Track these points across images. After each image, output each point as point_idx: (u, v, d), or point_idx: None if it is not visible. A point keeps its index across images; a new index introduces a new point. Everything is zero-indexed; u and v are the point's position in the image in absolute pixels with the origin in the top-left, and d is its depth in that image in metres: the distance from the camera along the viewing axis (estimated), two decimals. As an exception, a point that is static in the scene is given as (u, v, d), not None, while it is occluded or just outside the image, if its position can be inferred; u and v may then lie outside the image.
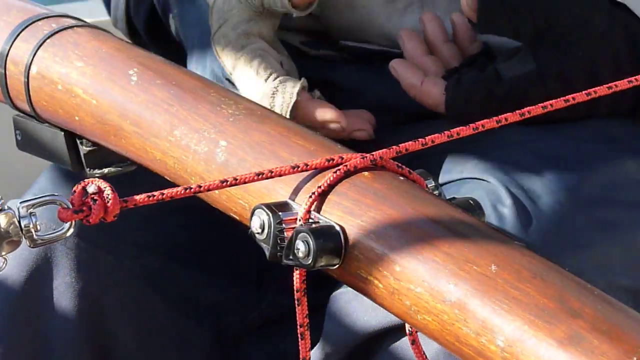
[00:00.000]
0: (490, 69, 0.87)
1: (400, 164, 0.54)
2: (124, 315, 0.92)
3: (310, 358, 0.55)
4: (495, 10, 0.84)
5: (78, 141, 0.70)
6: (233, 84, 0.86)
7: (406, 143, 0.54)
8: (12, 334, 0.89)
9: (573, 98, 0.61)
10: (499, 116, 0.58)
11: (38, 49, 0.69)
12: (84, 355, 0.90)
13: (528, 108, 0.59)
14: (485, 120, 0.57)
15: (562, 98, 0.60)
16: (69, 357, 0.90)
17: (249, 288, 0.95)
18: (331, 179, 0.52)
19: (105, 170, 0.72)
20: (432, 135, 0.55)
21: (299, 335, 0.54)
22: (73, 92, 0.65)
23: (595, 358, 0.41)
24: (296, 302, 0.53)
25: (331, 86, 0.92)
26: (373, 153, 0.54)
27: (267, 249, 0.52)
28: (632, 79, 0.64)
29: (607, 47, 0.79)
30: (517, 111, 0.58)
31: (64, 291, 0.89)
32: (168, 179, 0.61)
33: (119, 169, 0.69)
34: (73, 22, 0.71)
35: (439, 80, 0.88)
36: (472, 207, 0.54)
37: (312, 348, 0.76)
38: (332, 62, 0.95)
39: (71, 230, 0.49)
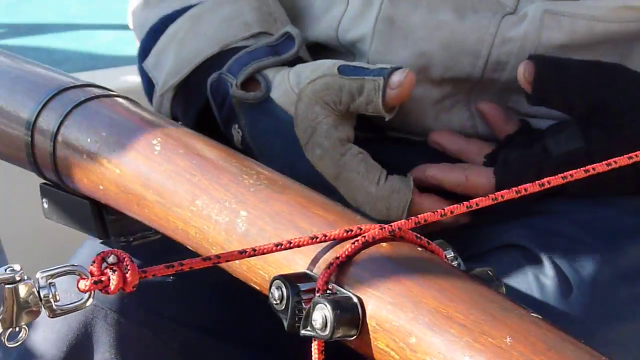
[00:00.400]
0: (537, 146, 0.86)
1: (419, 235, 0.54)
2: None
3: None
4: (551, 84, 0.84)
5: (103, 210, 0.71)
6: (335, 189, 0.85)
7: (425, 214, 0.54)
8: None
9: (593, 168, 0.61)
10: (519, 187, 0.58)
11: (64, 118, 0.70)
12: None
13: (548, 179, 0.59)
14: (504, 191, 0.57)
15: (582, 168, 0.60)
16: None
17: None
18: (349, 250, 0.52)
19: (131, 238, 0.73)
20: (451, 207, 0.55)
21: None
22: (97, 161, 0.66)
23: None
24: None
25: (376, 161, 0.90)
26: (392, 224, 0.54)
27: (285, 319, 0.52)
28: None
29: None
30: (536, 182, 0.58)
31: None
32: (190, 248, 0.61)
33: (145, 237, 0.69)
34: (99, 91, 0.72)
35: (482, 169, 0.88)
36: (491, 278, 0.54)
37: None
38: (376, 142, 0.95)
39: (90, 300, 0.50)
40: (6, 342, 0.50)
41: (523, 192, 0.58)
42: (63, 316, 0.81)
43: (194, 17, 0.95)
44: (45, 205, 0.78)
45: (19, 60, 0.80)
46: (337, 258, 0.52)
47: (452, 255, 0.55)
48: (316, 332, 0.50)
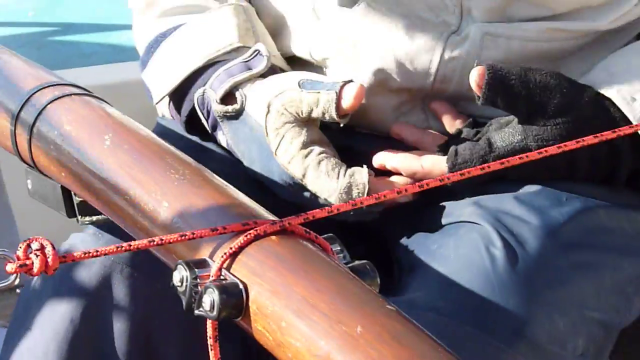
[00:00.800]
0: (483, 139, 0.97)
1: (307, 230, 0.62)
2: (170, 337, 1.01)
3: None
4: (498, 88, 0.94)
5: (73, 193, 0.81)
6: (304, 186, 0.97)
7: (314, 211, 0.62)
8: (76, 351, 0.97)
9: (527, 156, 0.72)
10: (463, 170, 0.68)
11: (40, 113, 0.79)
12: None
13: (488, 164, 0.73)
14: (450, 174, 0.68)
15: (517, 156, 0.71)
16: None
17: None
18: (242, 241, 0.60)
19: (94, 218, 0.83)
20: (338, 204, 0.62)
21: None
22: (60, 152, 0.76)
23: None
24: (209, 348, 0.61)
25: (348, 150, 1.03)
26: (283, 219, 0.61)
27: (184, 300, 0.60)
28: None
29: (588, 131, 0.85)
30: (478, 166, 0.68)
31: (119, 314, 0.97)
32: (128, 232, 0.70)
33: (107, 218, 0.78)
34: (75, 90, 0.81)
35: (435, 158, 0.98)
36: (367, 271, 0.61)
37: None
38: (346, 134, 1.07)
39: (17, 280, 0.59)
40: None
41: (467, 175, 0.67)
42: (86, 270, 0.94)
43: (183, 34, 1.08)
44: (29, 187, 0.89)
45: (10, 56, 0.91)
46: (231, 248, 0.60)
47: (338, 248, 0.63)
48: (206, 313, 0.58)
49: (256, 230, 0.60)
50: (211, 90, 1.02)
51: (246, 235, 0.60)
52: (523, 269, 0.92)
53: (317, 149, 0.97)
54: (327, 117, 0.95)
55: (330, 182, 0.95)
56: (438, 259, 0.95)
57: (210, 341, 0.61)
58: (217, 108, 1.01)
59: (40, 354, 0.95)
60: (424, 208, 1.00)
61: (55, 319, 0.96)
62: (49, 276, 0.91)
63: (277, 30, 1.12)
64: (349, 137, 1.07)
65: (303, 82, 0.98)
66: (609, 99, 0.98)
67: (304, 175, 0.96)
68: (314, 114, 0.96)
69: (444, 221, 1.00)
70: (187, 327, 0.98)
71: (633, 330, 1.04)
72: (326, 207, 0.62)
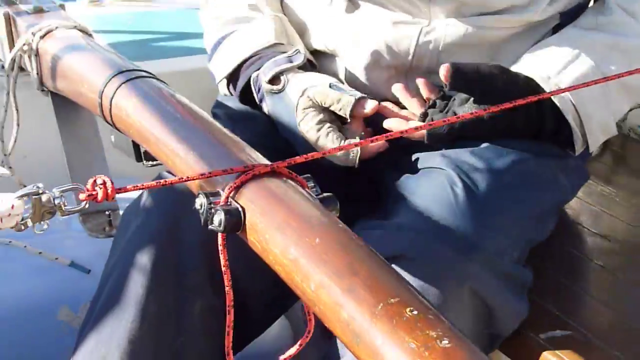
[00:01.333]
0: (450, 112, 1.30)
1: (290, 171, 0.85)
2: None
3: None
4: (459, 80, 1.26)
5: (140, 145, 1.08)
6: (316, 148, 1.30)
7: (296, 157, 0.85)
8: (162, 260, 1.27)
9: (471, 113, 1.07)
10: (426, 123, 1.07)
11: (117, 89, 1.08)
12: (202, 271, 1.26)
13: (440, 120, 1.07)
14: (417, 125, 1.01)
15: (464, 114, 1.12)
16: (196, 272, 1.26)
17: None
18: (243, 178, 0.84)
19: (154, 162, 1.09)
20: (312, 153, 0.86)
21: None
22: (130, 117, 1.04)
23: (359, 303, 0.68)
24: (219, 252, 0.85)
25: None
26: (273, 163, 0.85)
27: (202, 218, 0.84)
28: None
29: (520, 110, 1.21)
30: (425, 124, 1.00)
31: (192, 233, 1.25)
32: (171, 172, 0.96)
33: (160, 162, 1.04)
34: (143, 74, 1.12)
35: (417, 124, 1.28)
36: (330, 200, 0.85)
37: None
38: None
39: (87, 206, 0.84)
40: (35, 230, 0.85)
41: (428, 127, 0.94)
42: (163, 218, 1.24)
43: (237, 36, 1.47)
44: (112, 140, 1.17)
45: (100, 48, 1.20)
46: (234, 183, 0.83)
47: (312, 184, 0.86)
48: (216, 228, 0.82)
49: (253, 171, 0.84)
50: (262, 74, 1.38)
51: (246, 174, 0.84)
52: (477, 202, 1.23)
53: (327, 124, 1.30)
54: (341, 112, 1.30)
55: (333, 146, 1.28)
56: (417, 193, 1.25)
57: (220, 248, 0.85)
58: (266, 87, 1.38)
59: (139, 247, 1.27)
60: (408, 158, 1.34)
61: (148, 228, 1.29)
62: (141, 200, 1.29)
63: (301, 31, 1.51)
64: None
65: (332, 83, 1.33)
66: (533, 79, 1.31)
67: (316, 142, 1.29)
68: (333, 108, 1.30)
69: (420, 166, 1.32)
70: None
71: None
72: (305, 155, 0.86)
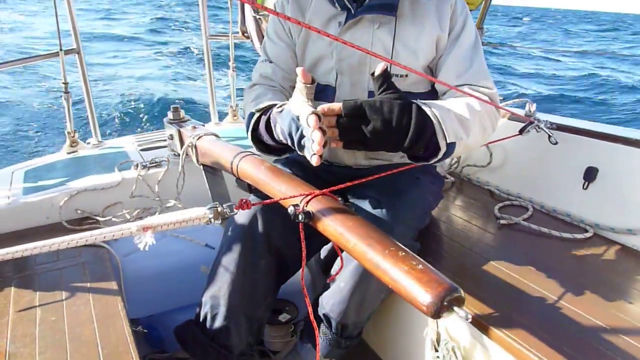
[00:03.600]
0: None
1: (331, 194, 1.82)
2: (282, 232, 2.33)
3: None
4: (386, 80, 1.97)
5: (248, 184, 2.08)
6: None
7: (331, 187, 1.82)
8: (246, 242, 2.33)
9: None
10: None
11: (240, 160, 2.11)
12: (264, 246, 2.34)
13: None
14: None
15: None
16: (261, 247, 2.32)
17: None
18: (309, 198, 1.78)
19: (259, 193, 2.09)
20: (339, 185, 1.84)
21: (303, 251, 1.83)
22: (246, 172, 2.03)
23: (375, 250, 1.63)
24: (301, 233, 1.81)
25: None
26: (323, 190, 1.82)
27: (292, 217, 1.77)
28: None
29: (423, 128, 1.91)
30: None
31: (259, 229, 2.31)
32: (269, 195, 1.94)
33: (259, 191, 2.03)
34: (250, 152, 2.12)
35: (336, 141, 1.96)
36: (348, 206, 1.82)
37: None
38: None
39: (238, 213, 1.81)
40: (216, 224, 1.80)
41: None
42: (245, 213, 2.36)
43: (257, 102, 2.28)
44: (235, 183, 2.28)
45: (225, 143, 2.33)
46: (306, 201, 1.78)
47: (341, 200, 1.81)
48: (299, 220, 1.76)
49: (314, 193, 1.80)
50: (272, 115, 2.08)
51: (310, 196, 1.80)
52: (394, 209, 2.23)
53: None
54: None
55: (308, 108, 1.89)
56: (402, 197, 2.25)
57: (301, 234, 1.80)
58: (275, 110, 2.06)
59: (236, 236, 2.33)
60: (366, 191, 2.34)
61: (240, 227, 2.32)
62: (240, 212, 2.34)
63: (312, 70, 2.41)
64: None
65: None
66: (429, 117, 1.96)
67: (298, 117, 1.87)
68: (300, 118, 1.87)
69: (369, 194, 2.33)
70: (289, 226, 2.24)
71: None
72: (333, 187, 1.83)
